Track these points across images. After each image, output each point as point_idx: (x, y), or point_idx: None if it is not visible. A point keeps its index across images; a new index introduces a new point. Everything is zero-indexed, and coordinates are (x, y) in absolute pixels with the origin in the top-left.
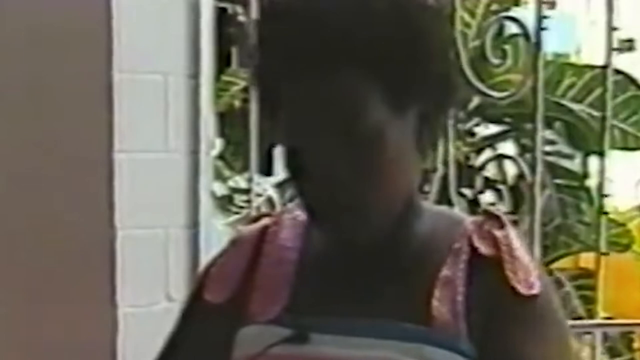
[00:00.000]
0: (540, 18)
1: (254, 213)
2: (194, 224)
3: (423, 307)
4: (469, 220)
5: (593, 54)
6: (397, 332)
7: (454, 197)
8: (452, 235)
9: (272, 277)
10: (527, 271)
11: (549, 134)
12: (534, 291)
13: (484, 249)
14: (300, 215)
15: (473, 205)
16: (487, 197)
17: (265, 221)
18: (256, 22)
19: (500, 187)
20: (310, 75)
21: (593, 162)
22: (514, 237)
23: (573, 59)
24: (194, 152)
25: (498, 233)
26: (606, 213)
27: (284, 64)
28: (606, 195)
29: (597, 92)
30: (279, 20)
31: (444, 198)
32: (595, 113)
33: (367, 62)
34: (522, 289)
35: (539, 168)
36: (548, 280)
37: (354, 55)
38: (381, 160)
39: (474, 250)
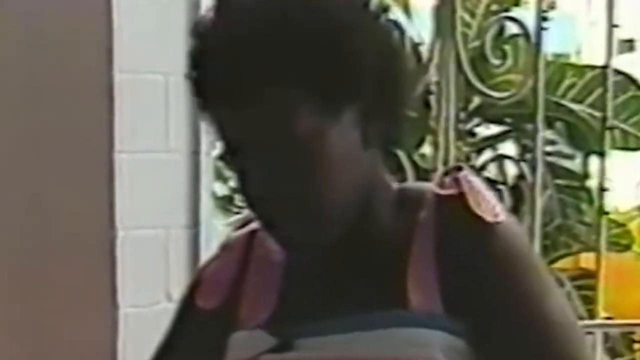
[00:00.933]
0: (541, 18)
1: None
2: (194, 224)
3: (400, 289)
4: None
5: (593, 55)
6: (379, 320)
7: None
8: (419, 207)
9: (261, 282)
10: (491, 202)
11: (549, 134)
12: (500, 218)
13: (444, 191)
14: None
15: None
16: None
17: (253, 225)
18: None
19: (501, 187)
20: (235, 97)
21: (593, 162)
22: (475, 177)
23: (573, 59)
24: (195, 153)
25: (458, 175)
26: (607, 213)
27: (209, 87)
28: (606, 190)
29: (598, 92)
30: (202, 42)
31: None
32: (596, 113)
33: (288, 73)
34: (488, 217)
35: (540, 168)
36: (514, 218)
37: (275, 70)
38: (323, 164)
39: (437, 205)
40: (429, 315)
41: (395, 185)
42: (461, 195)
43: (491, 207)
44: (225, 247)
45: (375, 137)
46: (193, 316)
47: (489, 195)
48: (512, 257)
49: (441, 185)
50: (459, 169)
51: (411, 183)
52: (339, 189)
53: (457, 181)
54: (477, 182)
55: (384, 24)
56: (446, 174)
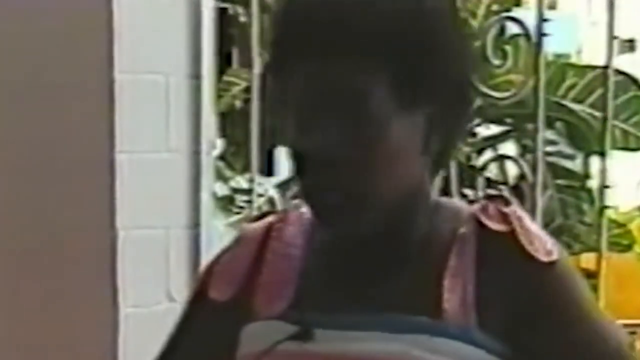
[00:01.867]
0: (541, 19)
1: (255, 213)
2: (195, 225)
3: (432, 298)
4: (473, 206)
5: (594, 55)
6: (405, 325)
7: (456, 197)
8: (456, 223)
9: (278, 274)
10: (542, 240)
11: (550, 135)
12: (554, 257)
13: (493, 225)
14: (306, 212)
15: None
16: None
17: (270, 218)
18: (275, 9)
19: (502, 187)
20: (317, 62)
21: (594, 162)
22: (522, 212)
23: (574, 60)
24: (195, 153)
25: (506, 209)
26: (607, 207)
27: (294, 50)
28: (607, 189)
29: (598, 92)
30: (295, 5)
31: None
32: (596, 113)
33: (376, 54)
34: (542, 257)
35: (540, 168)
36: (561, 246)
37: (363, 46)
38: (382, 153)
39: (482, 231)
40: (463, 329)
41: (433, 198)
42: (512, 233)
43: (543, 244)
44: (240, 240)
45: (434, 146)
46: (205, 308)
47: (539, 231)
48: (564, 301)
49: (485, 212)
50: (503, 199)
51: (444, 198)
52: (387, 180)
53: (505, 216)
54: (526, 218)
55: (468, 33)
56: (487, 198)
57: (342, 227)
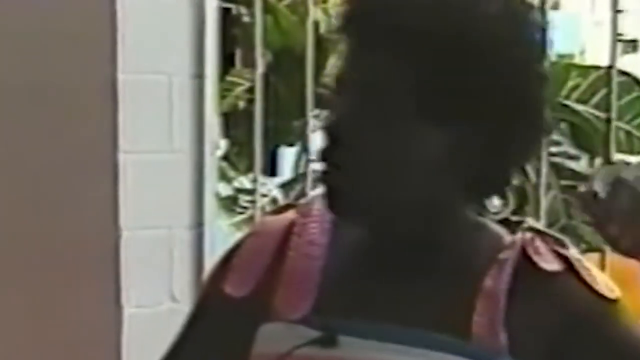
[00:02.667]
0: (545, 19)
1: (258, 213)
2: (198, 225)
3: (461, 317)
4: (517, 236)
5: (597, 55)
6: (433, 342)
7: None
8: (495, 246)
9: (300, 273)
10: (604, 278)
11: (554, 135)
12: (617, 294)
13: (546, 264)
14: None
15: (478, 206)
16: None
17: (291, 213)
18: None
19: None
20: (361, 47)
21: (599, 163)
22: (578, 253)
23: (577, 60)
24: (199, 153)
25: (562, 251)
26: None
27: (349, 28)
28: None
29: (602, 93)
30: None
31: None
32: (600, 114)
33: (416, 55)
34: (609, 294)
35: (544, 169)
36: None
37: (405, 44)
38: (399, 155)
39: (525, 263)
40: (492, 354)
41: (474, 217)
42: (568, 272)
43: (606, 283)
44: (258, 233)
45: (463, 165)
46: (219, 304)
47: (598, 271)
48: (624, 336)
49: (533, 248)
50: (554, 237)
51: (488, 221)
52: (403, 184)
53: (558, 256)
54: (583, 259)
55: (541, 49)
56: (530, 229)
57: (351, 219)
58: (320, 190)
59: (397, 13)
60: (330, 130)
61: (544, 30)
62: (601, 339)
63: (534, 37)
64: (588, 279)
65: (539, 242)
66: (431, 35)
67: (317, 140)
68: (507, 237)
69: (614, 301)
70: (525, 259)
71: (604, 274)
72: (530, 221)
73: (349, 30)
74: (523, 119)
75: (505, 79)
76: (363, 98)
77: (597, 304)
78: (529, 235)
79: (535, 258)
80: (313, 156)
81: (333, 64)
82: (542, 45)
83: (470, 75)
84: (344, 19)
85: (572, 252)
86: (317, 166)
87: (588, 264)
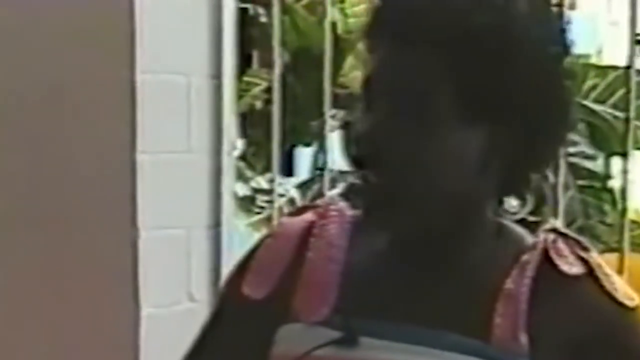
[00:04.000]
0: (563, 19)
1: (276, 213)
2: (216, 225)
3: (482, 319)
4: (539, 237)
5: (614, 55)
6: (454, 344)
7: None
8: (517, 248)
9: (320, 275)
10: (623, 285)
11: (571, 135)
12: (636, 302)
13: (567, 267)
14: (346, 210)
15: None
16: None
17: (310, 214)
18: None
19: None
20: (392, 46)
21: (615, 163)
22: (600, 258)
23: (594, 60)
24: (216, 153)
25: (584, 255)
26: (629, 208)
27: (379, 28)
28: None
29: (620, 93)
30: None
31: None
32: (618, 114)
33: (450, 54)
34: (628, 302)
35: (562, 169)
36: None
37: (439, 43)
38: (430, 155)
39: (547, 266)
40: (513, 355)
41: (495, 218)
42: (589, 276)
43: (625, 290)
44: (277, 235)
45: (494, 167)
46: (238, 305)
47: (619, 278)
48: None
49: (556, 250)
50: (576, 241)
51: (509, 223)
52: (433, 184)
53: (581, 259)
54: (605, 264)
55: (567, 47)
56: (552, 231)
57: (381, 221)
58: (339, 190)
59: (431, 14)
60: (365, 133)
61: (566, 28)
62: (618, 348)
63: (561, 35)
64: (608, 286)
65: (561, 244)
66: (465, 35)
67: (334, 140)
68: (529, 239)
69: (632, 310)
70: (547, 261)
71: (621, 277)
72: (552, 222)
73: (380, 34)
74: (553, 117)
75: (537, 77)
76: (399, 100)
77: (615, 313)
78: (551, 237)
79: (557, 261)
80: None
81: (351, 64)
82: (567, 43)
83: (504, 74)
84: (374, 22)
85: (594, 255)
86: (341, 166)
87: (609, 269)
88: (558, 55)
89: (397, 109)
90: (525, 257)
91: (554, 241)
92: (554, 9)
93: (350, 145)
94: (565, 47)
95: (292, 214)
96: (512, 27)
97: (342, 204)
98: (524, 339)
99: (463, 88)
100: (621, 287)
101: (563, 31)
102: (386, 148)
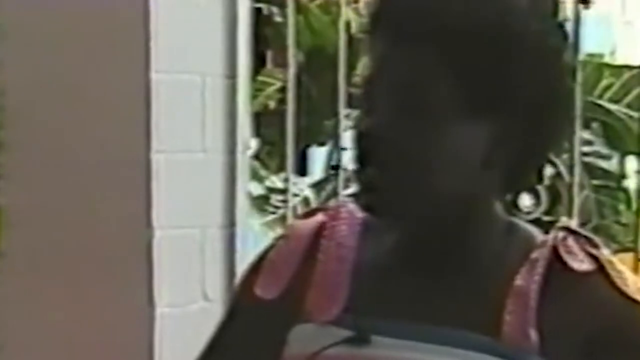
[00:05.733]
0: (578, 18)
1: (290, 213)
2: (230, 224)
3: (492, 316)
4: (549, 235)
5: (628, 54)
6: (464, 341)
7: None
8: (527, 245)
9: (330, 275)
10: (635, 281)
11: (586, 135)
12: None
13: (575, 263)
14: (357, 211)
15: (510, 205)
16: (524, 197)
17: (320, 216)
18: None
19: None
20: (392, 43)
21: (630, 162)
22: (610, 254)
23: (608, 59)
24: (231, 152)
25: (594, 251)
26: None
27: (379, 25)
28: None
29: (635, 92)
30: None
31: None
32: (633, 113)
33: (450, 49)
34: (638, 298)
35: (577, 169)
36: None
37: (439, 38)
38: (434, 151)
39: (557, 263)
40: (523, 353)
41: (505, 216)
42: (599, 273)
43: (636, 285)
44: (288, 237)
45: (499, 162)
46: (251, 306)
47: (630, 273)
48: None
49: (566, 247)
50: (585, 237)
51: (519, 220)
52: (437, 181)
53: (590, 256)
54: (615, 260)
55: (566, 40)
56: (562, 229)
57: (389, 219)
58: (352, 190)
59: (432, 10)
60: (370, 131)
61: (563, 21)
62: (629, 343)
63: (560, 28)
64: (618, 281)
65: (571, 242)
66: (466, 30)
67: (348, 140)
68: (540, 237)
69: None
70: (556, 258)
71: (637, 276)
72: (565, 221)
73: (380, 30)
74: (555, 109)
75: (539, 70)
76: (400, 97)
77: (626, 308)
78: (561, 234)
79: (567, 258)
80: (346, 156)
81: (364, 63)
82: (566, 36)
83: (508, 69)
84: (376, 18)
85: (604, 252)
86: (351, 166)
87: (620, 266)
88: (559, 48)
89: (399, 106)
90: (534, 255)
91: (564, 238)
92: (553, 2)
93: (352, 142)
94: (564, 40)
95: (303, 216)
96: (513, 21)
97: (353, 205)
98: (534, 335)
99: (465, 83)
100: (632, 283)
101: (561, 24)
102: (389, 146)
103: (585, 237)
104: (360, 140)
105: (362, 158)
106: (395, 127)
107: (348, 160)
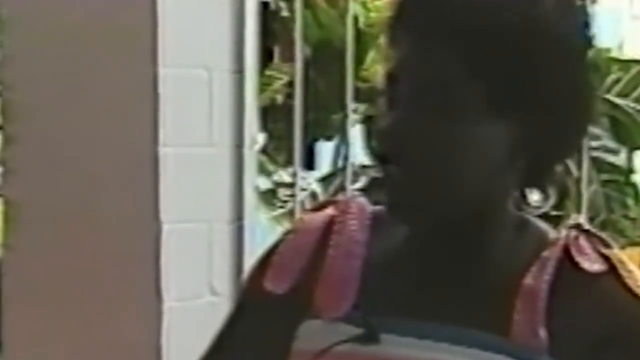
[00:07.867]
0: (586, 11)
1: (298, 207)
2: (238, 218)
3: (502, 315)
4: (560, 232)
5: (637, 49)
6: (474, 340)
7: None
8: (539, 244)
9: (340, 271)
10: None
11: (594, 129)
12: None
13: (588, 264)
14: (367, 205)
15: (520, 200)
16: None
17: (330, 210)
18: None
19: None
20: (415, 42)
21: (638, 157)
22: (622, 254)
23: (615, 53)
24: (238, 146)
25: (606, 251)
26: None
27: (401, 24)
28: None
29: None
30: None
31: None
32: None
33: (475, 49)
34: None
35: (585, 163)
36: None
37: (463, 38)
38: (457, 151)
39: (568, 262)
40: (533, 351)
41: (516, 213)
42: (611, 274)
43: None
44: (298, 231)
45: (519, 162)
46: (259, 300)
47: (639, 272)
48: None
49: (577, 247)
50: (597, 237)
51: (532, 218)
52: (460, 180)
53: (602, 256)
54: (627, 260)
55: (589, 40)
56: (574, 227)
57: (404, 217)
58: (360, 184)
59: (457, 9)
60: (392, 129)
61: (589, 21)
62: (639, 345)
63: (584, 27)
64: (630, 282)
65: (583, 241)
66: (490, 29)
67: (356, 134)
68: (552, 234)
69: None
70: (567, 258)
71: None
72: (576, 218)
73: (403, 28)
74: (577, 109)
75: (565, 71)
76: (422, 95)
77: (637, 309)
78: (573, 233)
79: (578, 258)
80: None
81: (372, 58)
82: (590, 35)
83: (534, 69)
84: (397, 15)
85: (616, 252)
86: (359, 160)
87: (631, 265)
88: (582, 48)
89: (421, 104)
90: (545, 253)
91: (576, 238)
92: (578, 2)
93: (373, 140)
94: (588, 40)
95: (313, 210)
96: (539, 20)
97: (363, 199)
98: (543, 335)
99: (487, 82)
100: None
101: (586, 24)
102: (410, 144)
103: (598, 236)
104: (382, 138)
105: (383, 155)
106: (419, 125)
107: (355, 154)
